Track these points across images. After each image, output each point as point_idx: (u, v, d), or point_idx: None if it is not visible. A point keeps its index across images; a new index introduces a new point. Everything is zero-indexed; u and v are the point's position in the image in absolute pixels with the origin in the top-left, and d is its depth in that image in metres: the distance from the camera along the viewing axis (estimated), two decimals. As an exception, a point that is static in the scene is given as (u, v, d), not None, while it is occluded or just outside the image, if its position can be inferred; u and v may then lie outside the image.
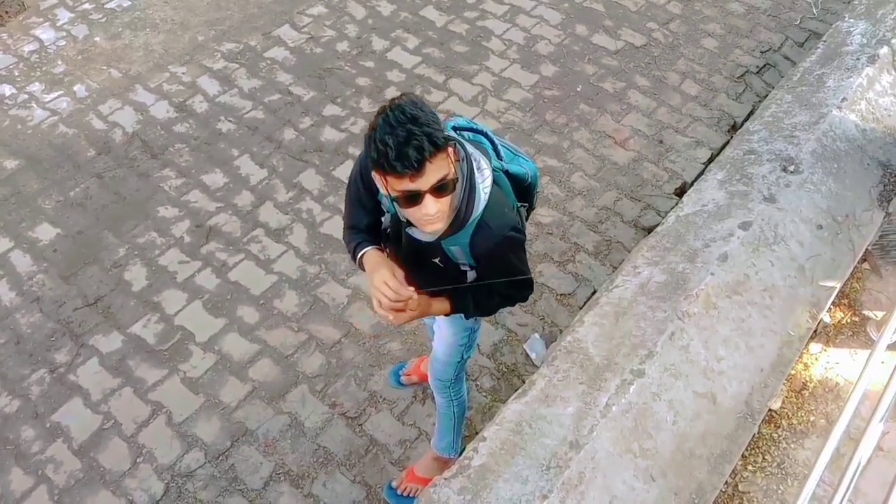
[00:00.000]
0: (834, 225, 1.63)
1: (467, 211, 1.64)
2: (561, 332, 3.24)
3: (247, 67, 4.21)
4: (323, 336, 3.17)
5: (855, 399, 1.28)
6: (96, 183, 3.63)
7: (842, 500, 1.31)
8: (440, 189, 1.53)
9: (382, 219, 1.85)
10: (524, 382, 3.08)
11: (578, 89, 4.24)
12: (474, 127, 1.88)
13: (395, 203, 1.58)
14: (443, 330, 2.27)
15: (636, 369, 1.40)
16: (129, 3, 4.50)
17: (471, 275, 1.83)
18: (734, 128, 4.12)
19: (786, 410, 1.55)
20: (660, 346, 1.43)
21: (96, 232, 3.45)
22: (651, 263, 1.55)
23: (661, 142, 4.02)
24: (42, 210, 3.54)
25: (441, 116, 1.56)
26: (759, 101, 4.25)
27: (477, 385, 3.07)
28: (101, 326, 3.13)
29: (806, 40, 4.61)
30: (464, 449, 2.74)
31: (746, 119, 4.16)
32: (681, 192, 3.82)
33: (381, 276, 1.69)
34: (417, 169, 1.46)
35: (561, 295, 3.35)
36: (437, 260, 1.80)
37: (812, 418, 1.55)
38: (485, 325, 3.21)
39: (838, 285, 1.59)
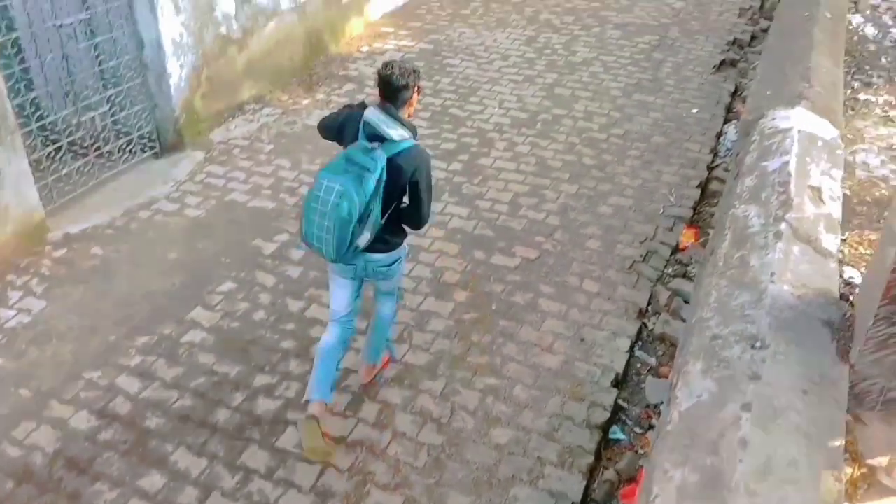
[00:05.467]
0: (815, 388, 1.78)
1: None
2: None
3: (165, 357, 4.12)
4: None
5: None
6: (20, 518, 3.27)
7: None
8: None
9: None
10: None
11: (493, 308, 4.46)
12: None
13: None
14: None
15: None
16: (30, 318, 4.38)
17: None
18: (642, 314, 4.44)
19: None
20: (729, 544, 1.44)
21: (27, 575, 3.05)
22: (678, 465, 1.60)
23: (582, 340, 4.23)
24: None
25: None
26: (654, 286, 4.65)
27: None
28: None
29: (673, 226, 5.18)
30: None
31: (649, 303, 4.52)
32: (616, 383, 3.98)
33: None
34: None
35: (543, 515, 3.26)
36: None
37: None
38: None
39: (843, 442, 1.70)
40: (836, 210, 2.57)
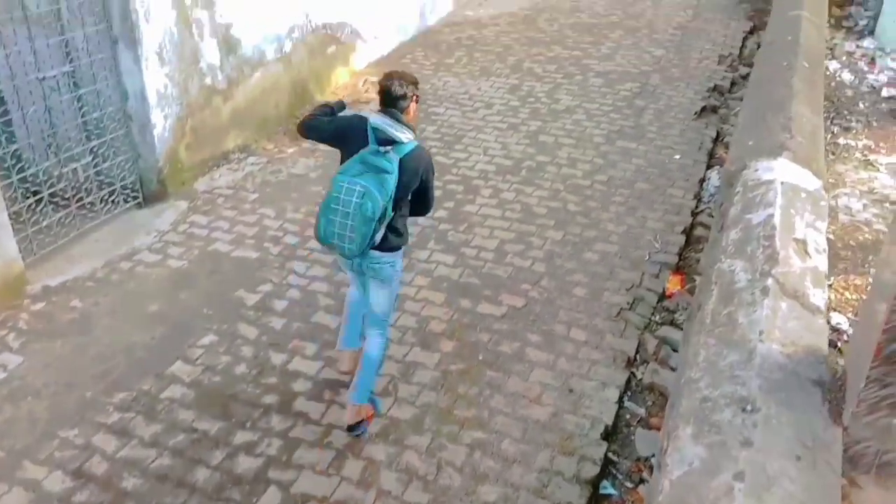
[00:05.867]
0: (808, 452, 1.73)
1: None
2: None
3: (144, 414, 4.01)
4: None
5: None
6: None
7: None
8: None
9: None
10: None
11: (480, 358, 4.40)
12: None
13: None
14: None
15: None
16: (5, 374, 4.27)
17: None
18: (630, 363, 4.39)
19: None
20: None
21: None
22: (671, 540, 1.54)
23: (570, 391, 4.17)
24: None
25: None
26: (642, 334, 4.61)
27: None
28: None
29: (659, 272, 5.17)
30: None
31: (637, 351, 4.47)
32: (606, 435, 3.91)
33: None
34: None
35: (533, 577, 3.16)
36: None
37: None
38: None
39: (840, 511, 1.66)
40: (822, 263, 2.56)
